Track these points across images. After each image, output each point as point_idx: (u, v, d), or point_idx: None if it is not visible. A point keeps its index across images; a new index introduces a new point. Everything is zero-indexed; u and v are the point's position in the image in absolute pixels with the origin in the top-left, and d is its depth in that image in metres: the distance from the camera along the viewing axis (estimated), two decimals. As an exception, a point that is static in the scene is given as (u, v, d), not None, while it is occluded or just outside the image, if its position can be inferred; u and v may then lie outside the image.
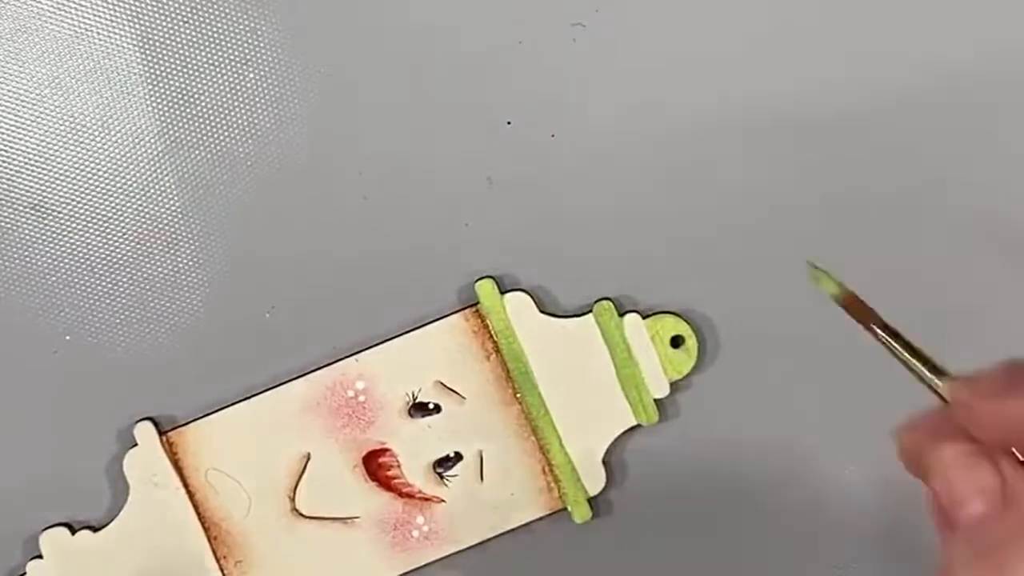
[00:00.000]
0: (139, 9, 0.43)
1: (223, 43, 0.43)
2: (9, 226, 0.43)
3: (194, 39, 0.43)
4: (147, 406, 0.44)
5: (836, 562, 0.45)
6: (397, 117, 0.43)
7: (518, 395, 0.44)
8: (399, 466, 0.44)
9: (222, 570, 0.44)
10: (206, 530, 0.44)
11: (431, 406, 0.44)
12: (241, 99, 0.43)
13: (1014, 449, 0.31)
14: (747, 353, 0.44)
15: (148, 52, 0.43)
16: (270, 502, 0.44)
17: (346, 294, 0.44)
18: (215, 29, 0.43)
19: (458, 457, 0.44)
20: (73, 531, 0.44)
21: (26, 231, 0.44)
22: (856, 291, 0.33)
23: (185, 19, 0.43)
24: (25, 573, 0.43)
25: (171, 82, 0.43)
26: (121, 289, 0.44)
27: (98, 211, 0.44)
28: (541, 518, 0.44)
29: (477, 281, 0.43)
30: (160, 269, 0.44)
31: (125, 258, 0.44)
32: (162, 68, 0.43)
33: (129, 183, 0.44)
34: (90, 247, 0.44)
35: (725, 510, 0.45)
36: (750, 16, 0.43)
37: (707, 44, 0.43)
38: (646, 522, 0.45)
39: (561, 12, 0.43)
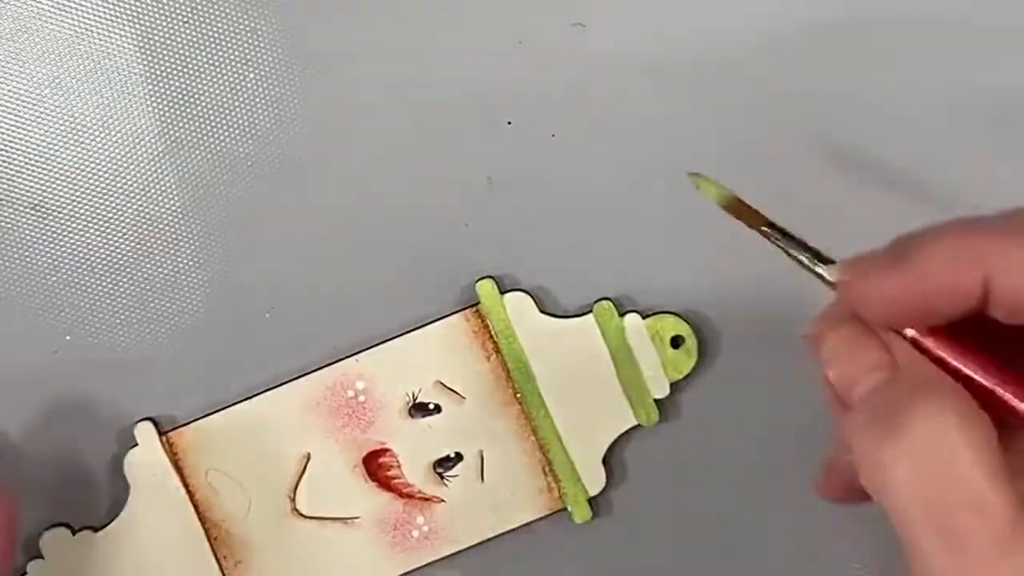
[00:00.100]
0: (139, 9, 0.43)
1: (223, 43, 0.43)
2: (9, 226, 0.44)
3: (194, 39, 0.43)
4: (147, 406, 0.44)
5: (837, 562, 0.45)
6: (397, 117, 0.43)
7: (518, 395, 0.44)
8: (399, 466, 0.44)
9: (222, 570, 0.44)
10: (206, 530, 0.44)
11: (431, 406, 0.44)
12: (241, 99, 0.43)
13: (912, 332, 0.31)
14: (747, 353, 0.44)
15: (148, 52, 0.43)
16: (270, 502, 0.44)
17: (346, 294, 0.44)
18: (215, 29, 0.43)
19: (458, 457, 0.44)
20: (73, 531, 0.44)
21: (26, 231, 0.44)
22: (739, 194, 0.34)
23: (185, 19, 0.43)
24: (26, 573, 0.43)
25: (171, 82, 0.43)
26: (121, 289, 0.44)
27: (98, 211, 0.44)
28: (541, 518, 0.44)
29: (477, 281, 0.43)
30: (160, 269, 0.44)
31: (125, 258, 0.44)
32: (162, 68, 0.43)
33: (129, 183, 0.44)
34: (90, 247, 0.44)
35: (725, 510, 0.45)
36: (754, 18, 0.43)
37: (707, 44, 0.43)
38: (646, 522, 0.45)
39: (561, 12, 0.43)
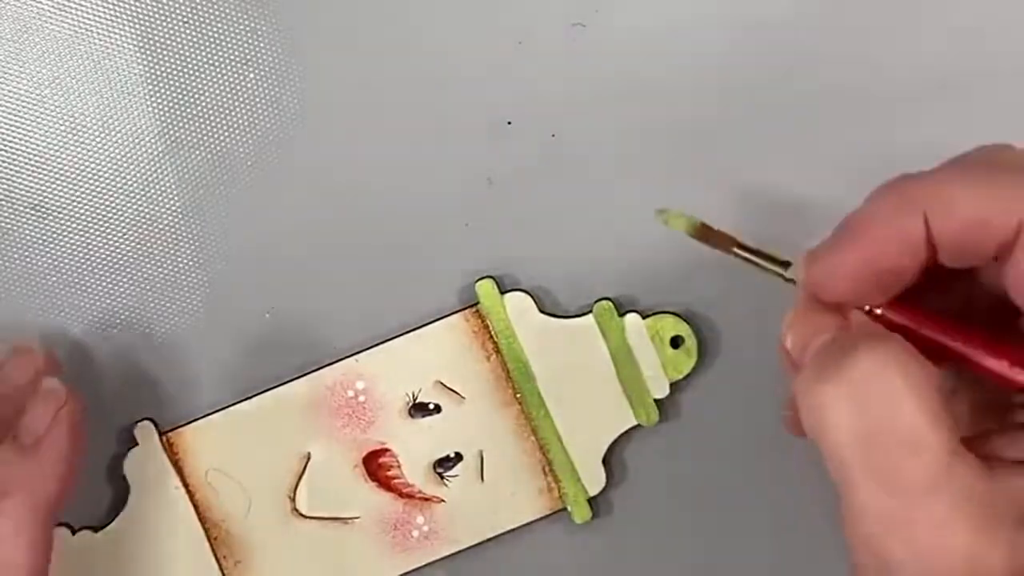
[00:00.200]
0: (139, 9, 0.43)
1: (223, 43, 0.43)
2: (9, 226, 0.44)
3: (194, 39, 0.43)
4: (147, 406, 0.44)
5: (837, 562, 0.45)
6: (397, 117, 0.43)
7: (518, 395, 0.44)
8: (399, 466, 0.44)
9: (222, 570, 0.44)
10: (206, 530, 0.44)
11: (431, 406, 0.44)
12: (241, 99, 0.43)
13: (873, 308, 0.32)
14: (747, 353, 0.44)
15: (148, 52, 0.43)
16: (270, 502, 0.44)
17: (346, 294, 0.44)
18: (215, 29, 0.43)
19: (458, 457, 0.44)
20: (73, 531, 0.44)
21: (26, 231, 0.44)
22: (704, 220, 0.36)
23: (185, 19, 0.43)
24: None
25: (171, 82, 0.43)
26: (121, 289, 0.44)
27: (98, 211, 0.44)
28: (541, 518, 0.44)
29: (477, 281, 0.43)
30: (160, 269, 0.44)
31: (125, 258, 0.44)
32: (162, 68, 0.43)
33: (129, 183, 0.44)
34: (90, 247, 0.44)
35: (725, 510, 0.45)
36: (752, 12, 0.43)
37: (707, 44, 0.43)
38: (646, 522, 0.45)
39: (561, 12, 0.43)
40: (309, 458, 0.44)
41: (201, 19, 0.43)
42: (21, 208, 0.43)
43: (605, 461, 0.44)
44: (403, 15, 0.43)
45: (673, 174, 0.44)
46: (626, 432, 0.44)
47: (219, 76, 0.43)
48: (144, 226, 0.44)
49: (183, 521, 0.44)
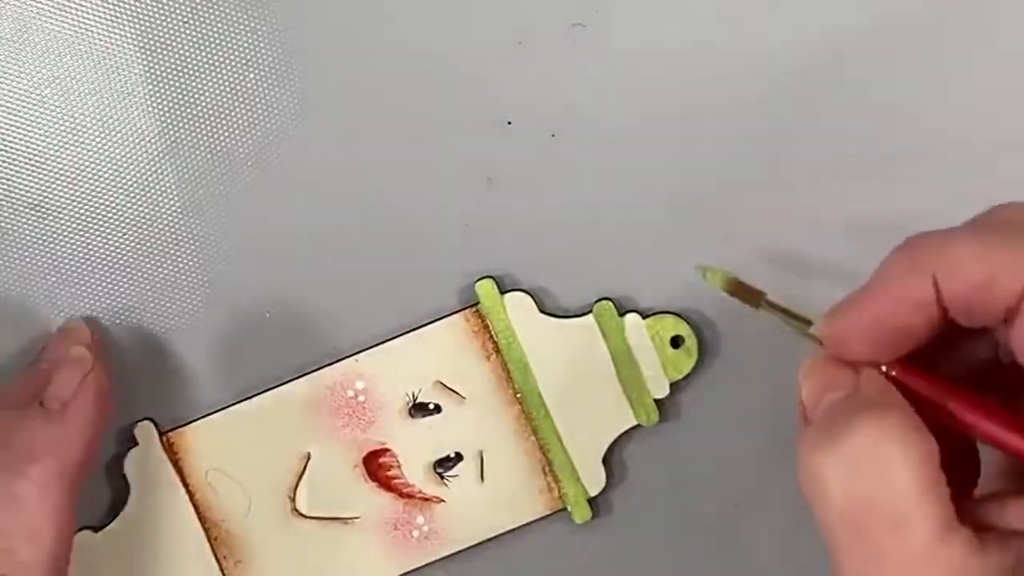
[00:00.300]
0: (139, 9, 0.43)
1: (223, 44, 0.43)
2: (9, 226, 0.43)
3: (194, 40, 0.43)
4: (147, 406, 0.44)
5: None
6: (397, 117, 0.43)
7: (518, 395, 0.44)
8: (399, 466, 0.44)
9: (222, 570, 0.44)
10: (206, 530, 0.44)
11: (431, 406, 0.44)
12: (241, 99, 0.43)
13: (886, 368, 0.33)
14: (747, 353, 0.44)
15: (148, 52, 0.43)
16: (270, 502, 0.44)
17: (346, 294, 0.44)
18: (215, 30, 0.43)
19: (458, 457, 0.44)
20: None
21: (26, 231, 0.44)
22: (739, 278, 0.38)
23: (185, 20, 0.43)
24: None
25: (171, 82, 0.43)
26: (121, 289, 0.44)
27: (98, 211, 0.44)
28: (541, 518, 0.44)
29: (477, 281, 0.43)
30: (160, 269, 0.44)
31: (125, 258, 0.44)
32: (162, 68, 0.43)
33: (129, 183, 0.44)
34: (90, 247, 0.44)
35: (725, 510, 0.45)
36: (752, 15, 0.43)
37: (708, 44, 0.43)
38: (646, 522, 0.45)
39: (561, 12, 0.43)
40: (309, 458, 0.44)
41: (201, 19, 0.43)
42: (21, 208, 0.43)
43: (605, 461, 0.44)
44: (403, 15, 0.43)
45: (673, 173, 0.44)
46: (626, 432, 0.44)
47: (219, 76, 0.43)
48: (144, 226, 0.44)
49: (183, 521, 0.44)
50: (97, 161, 0.43)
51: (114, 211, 0.44)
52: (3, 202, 0.43)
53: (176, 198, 0.44)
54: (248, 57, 0.43)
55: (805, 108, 0.43)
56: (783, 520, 0.44)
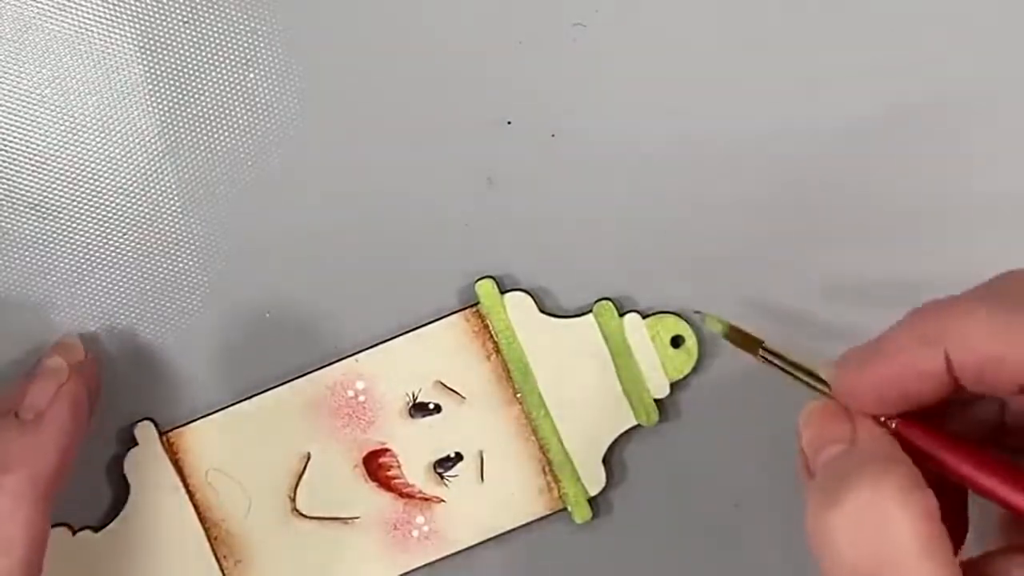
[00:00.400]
0: (139, 9, 0.43)
1: (223, 44, 0.43)
2: (9, 226, 0.43)
3: (194, 39, 0.43)
4: (147, 406, 0.44)
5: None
6: (397, 117, 0.43)
7: (518, 395, 0.44)
8: (399, 466, 0.44)
9: (222, 570, 0.44)
10: (206, 530, 0.44)
11: (431, 406, 0.44)
12: (241, 99, 0.43)
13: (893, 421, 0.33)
14: (747, 353, 0.44)
15: (148, 52, 0.43)
16: (270, 502, 0.44)
17: (346, 294, 0.44)
18: (215, 29, 0.43)
19: (458, 457, 0.44)
20: (73, 531, 0.44)
21: (26, 231, 0.44)
22: (739, 325, 0.39)
23: (185, 19, 0.43)
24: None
25: (171, 82, 0.43)
26: (121, 289, 0.44)
27: (98, 211, 0.44)
28: (541, 518, 0.44)
29: (477, 281, 0.43)
30: (160, 269, 0.44)
31: (125, 258, 0.44)
32: (162, 68, 0.43)
33: (129, 183, 0.44)
34: (90, 247, 0.44)
35: (725, 510, 0.45)
36: (752, 15, 0.43)
37: (708, 44, 0.43)
38: (646, 522, 0.45)
39: (561, 12, 0.43)
40: (309, 458, 0.44)
41: (201, 19, 0.43)
42: (21, 208, 0.43)
43: (605, 461, 0.44)
44: (403, 15, 0.43)
45: (673, 173, 0.44)
46: (626, 432, 0.44)
47: (219, 76, 0.43)
48: (144, 226, 0.44)
49: (183, 521, 0.44)
50: (97, 161, 0.43)
51: (114, 211, 0.44)
52: (3, 202, 0.43)
53: (176, 198, 0.44)
54: (248, 57, 0.43)
55: (812, 110, 0.43)
56: (783, 520, 0.44)
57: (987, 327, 0.31)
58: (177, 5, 0.43)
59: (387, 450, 0.44)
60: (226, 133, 0.43)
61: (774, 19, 0.43)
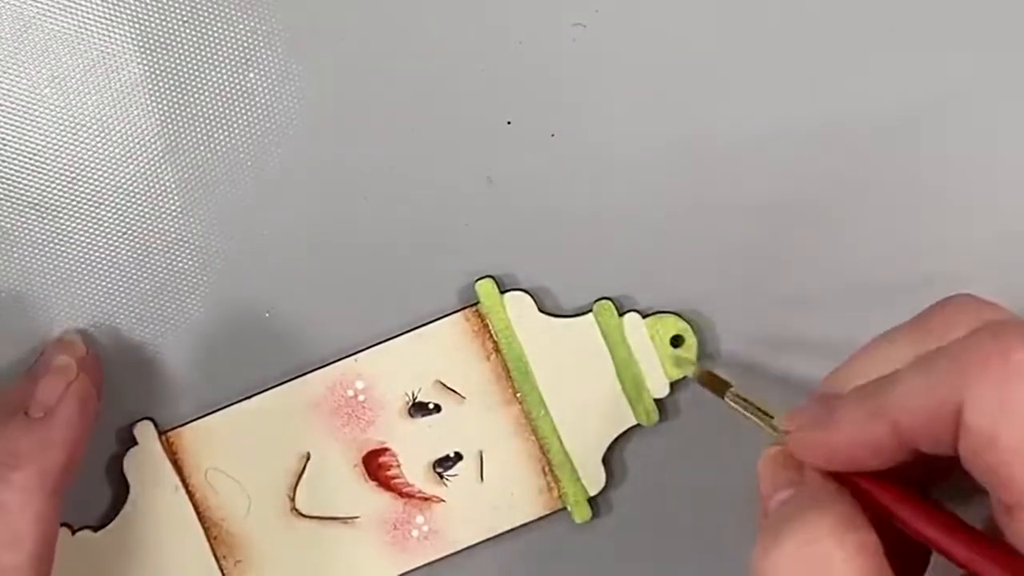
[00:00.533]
0: (139, 9, 0.43)
1: (223, 43, 0.43)
2: (9, 226, 0.43)
3: (194, 39, 0.43)
4: (147, 406, 0.44)
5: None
6: (397, 117, 0.43)
7: (518, 395, 0.44)
8: (399, 466, 0.44)
9: (222, 570, 0.44)
10: (206, 530, 0.44)
11: (431, 406, 0.44)
12: (241, 99, 0.43)
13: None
14: (747, 353, 0.44)
15: (148, 52, 0.43)
16: (270, 502, 0.44)
17: (346, 294, 0.44)
18: (215, 29, 0.43)
19: (458, 457, 0.44)
20: (73, 531, 0.44)
21: (26, 231, 0.43)
22: (711, 370, 0.41)
23: (185, 19, 0.43)
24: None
25: (171, 82, 0.43)
26: (120, 289, 0.44)
27: (98, 210, 0.44)
28: (541, 518, 0.44)
29: (477, 281, 0.43)
30: (160, 269, 0.44)
31: (125, 258, 0.44)
32: (162, 68, 0.43)
33: (129, 183, 0.44)
34: (90, 247, 0.44)
35: (726, 510, 0.45)
36: (752, 15, 0.43)
37: (709, 44, 0.43)
38: (646, 522, 0.45)
39: (561, 12, 0.43)
40: (309, 458, 0.44)
41: (201, 19, 0.43)
42: (21, 208, 0.43)
43: (605, 461, 0.44)
44: (403, 15, 0.43)
45: (673, 173, 0.44)
46: (626, 432, 0.44)
47: (219, 76, 0.43)
48: (144, 226, 0.44)
49: (183, 521, 0.44)
50: (97, 161, 0.43)
51: (114, 211, 0.44)
52: (3, 201, 0.43)
53: (176, 198, 0.44)
54: (248, 57, 0.43)
55: (812, 110, 0.43)
56: (783, 520, 0.44)
57: (923, 387, 0.31)
58: (177, 5, 0.43)
59: (387, 450, 0.44)
60: (226, 133, 0.43)
61: (774, 19, 0.43)
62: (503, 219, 0.44)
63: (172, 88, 0.43)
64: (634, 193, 0.44)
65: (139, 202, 0.44)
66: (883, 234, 0.44)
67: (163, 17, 0.43)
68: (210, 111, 0.43)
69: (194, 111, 0.43)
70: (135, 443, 0.44)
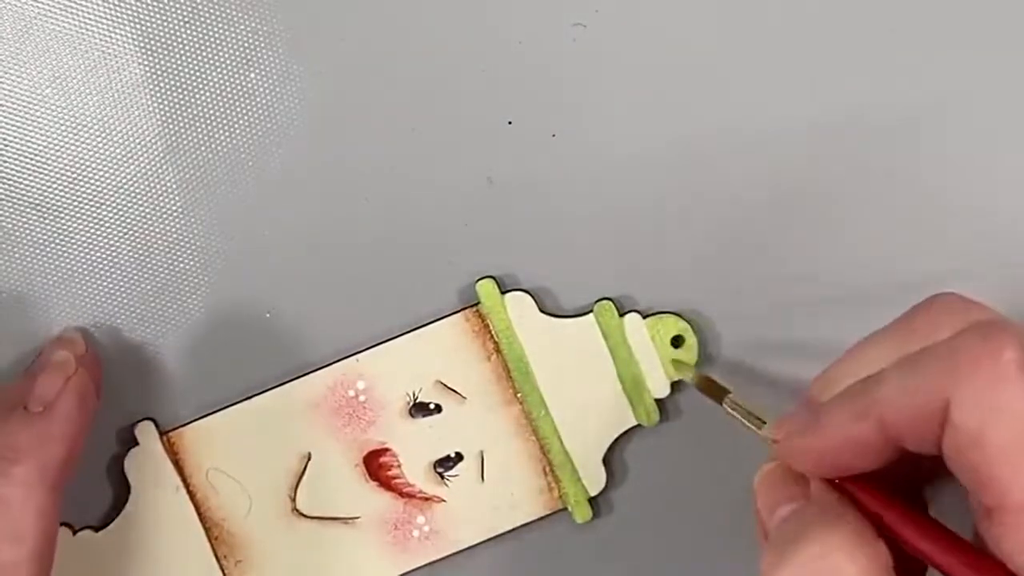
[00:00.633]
0: (139, 9, 0.43)
1: (223, 43, 0.43)
2: (9, 226, 0.43)
3: (194, 39, 0.43)
4: (147, 406, 0.44)
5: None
6: (397, 117, 0.43)
7: (519, 395, 0.44)
8: (399, 466, 0.44)
9: (223, 570, 0.44)
10: (207, 530, 0.44)
11: (432, 406, 0.44)
12: (241, 99, 0.43)
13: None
14: (747, 353, 0.44)
15: (148, 52, 0.43)
16: (271, 502, 0.44)
17: (347, 294, 0.44)
18: (215, 29, 0.43)
19: (458, 457, 0.44)
20: (74, 531, 0.44)
21: (26, 231, 0.44)
22: (709, 375, 0.41)
23: (185, 19, 0.43)
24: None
25: (171, 82, 0.43)
26: (121, 289, 0.44)
27: (98, 211, 0.44)
28: (541, 518, 0.44)
29: (477, 281, 0.43)
30: (160, 269, 0.44)
31: (125, 258, 0.44)
32: (162, 68, 0.43)
33: (130, 183, 0.44)
34: (90, 247, 0.44)
35: (725, 510, 0.45)
36: (754, 15, 0.43)
37: (709, 44, 0.43)
38: (646, 522, 0.45)
39: (561, 12, 0.43)
40: (309, 458, 0.44)
41: (201, 19, 0.43)
42: (22, 208, 0.43)
43: (605, 461, 0.44)
44: (403, 15, 0.43)
45: (673, 173, 0.44)
46: (626, 432, 0.44)
47: (219, 76, 0.43)
48: (144, 226, 0.44)
49: (183, 521, 0.44)
50: (97, 161, 0.43)
51: (114, 211, 0.44)
52: (3, 201, 0.43)
53: (176, 198, 0.44)
54: (248, 57, 0.43)
55: (812, 110, 0.43)
56: (783, 520, 0.44)
57: (908, 388, 0.31)
58: (177, 5, 0.43)
59: (387, 450, 0.44)
60: (226, 133, 0.43)
61: (774, 19, 0.43)
62: (504, 219, 0.44)
63: (173, 88, 0.43)
64: (634, 193, 0.44)
65: (140, 202, 0.44)
66: (883, 234, 0.44)
67: (164, 17, 0.43)
68: (211, 111, 0.43)
69: (195, 111, 0.43)
70: (136, 443, 0.44)
